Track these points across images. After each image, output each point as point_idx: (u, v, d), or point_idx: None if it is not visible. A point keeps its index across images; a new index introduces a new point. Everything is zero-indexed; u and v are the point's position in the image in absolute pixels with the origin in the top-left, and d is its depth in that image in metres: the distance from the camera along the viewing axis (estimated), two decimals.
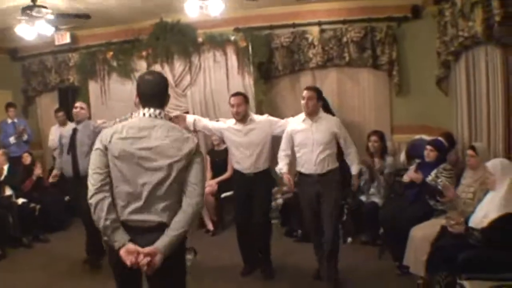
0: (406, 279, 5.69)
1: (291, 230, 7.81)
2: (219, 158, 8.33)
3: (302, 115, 5.83)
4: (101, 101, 9.36)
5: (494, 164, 4.96)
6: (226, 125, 6.22)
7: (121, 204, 3.33)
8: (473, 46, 6.12)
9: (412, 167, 6.34)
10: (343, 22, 8.47)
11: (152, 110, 3.44)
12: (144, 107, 3.47)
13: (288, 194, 8.07)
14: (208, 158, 8.55)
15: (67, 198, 8.73)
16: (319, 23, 8.58)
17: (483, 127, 6.07)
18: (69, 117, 7.56)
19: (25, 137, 9.62)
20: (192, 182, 3.38)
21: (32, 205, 8.30)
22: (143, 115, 3.43)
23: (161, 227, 3.29)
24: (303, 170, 5.77)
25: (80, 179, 6.59)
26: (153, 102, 3.47)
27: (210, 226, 8.29)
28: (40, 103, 10.75)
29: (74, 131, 6.82)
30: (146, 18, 8.85)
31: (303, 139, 5.68)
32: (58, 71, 10.12)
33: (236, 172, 6.31)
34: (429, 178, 6.04)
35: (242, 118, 6.02)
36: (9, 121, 9.64)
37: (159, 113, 3.46)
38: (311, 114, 5.66)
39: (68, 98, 10.18)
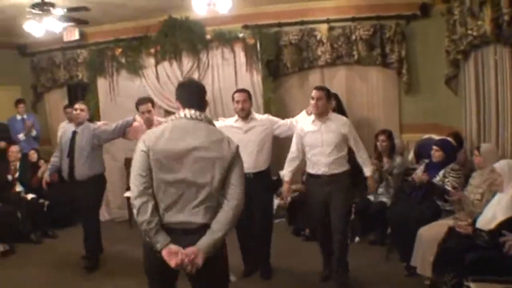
0: (413, 280, 5.68)
1: (298, 228, 7.80)
2: None
3: (303, 114, 5.90)
4: (109, 97, 9.35)
5: (502, 165, 4.94)
6: (226, 123, 6.22)
7: (163, 207, 3.38)
8: (482, 45, 6.10)
9: (421, 167, 6.33)
10: (352, 19, 8.44)
11: (193, 111, 3.48)
12: (184, 108, 3.52)
13: (295, 192, 8.05)
14: None
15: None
16: (328, 21, 8.55)
17: (492, 127, 6.06)
18: None
19: (33, 133, 9.66)
20: (233, 184, 3.43)
21: (41, 200, 8.35)
22: (184, 116, 3.48)
23: (202, 229, 3.34)
24: (312, 171, 5.74)
25: (77, 183, 6.68)
26: (194, 103, 3.53)
27: None
28: (48, 99, 10.78)
29: (74, 134, 6.77)
30: (154, 15, 8.84)
31: (312, 141, 5.65)
32: (67, 68, 10.14)
33: None
34: (437, 178, 6.01)
35: (246, 115, 6.02)
36: (18, 117, 9.68)
37: (200, 115, 3.49)
38: (321, 115, 5.62)
39: (77, 95, 10.19)
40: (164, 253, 3.27)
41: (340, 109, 7.73)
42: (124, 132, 6.76)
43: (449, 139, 6.46)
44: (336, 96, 7.78)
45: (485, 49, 6.14)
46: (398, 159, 7.04)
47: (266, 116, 6.25)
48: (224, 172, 3.40)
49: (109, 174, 9.00)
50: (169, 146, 3.35)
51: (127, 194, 8.68)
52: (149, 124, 6.37)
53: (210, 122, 3.57)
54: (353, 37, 8.42)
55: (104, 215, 9.36)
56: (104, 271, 6.75)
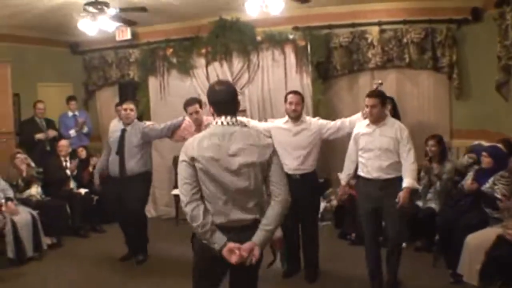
0: None
1: (344, 232, 7.77)
2: None
3: (359, 115, 5.83)
4: (160, 96, 9.47)
5: None
6: (276, 124, 6.23)
7: (213, 211, 3.51)
8: None
9: (470, 174, 6.26)
10: (404, 22, 8.38)
11: (228, 118, 3.60)
12: (219, 115, 3.62)
13: (343, 195, 8.04)
14: None
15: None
16: (379, 23, 8.51)
17: None
18: None
19: (85, 129, 9.83)
20: (274, 181, 3.61)
21: (92, 195, 8.51)
22: (221, 123, 3.58)
23: (255, 224, 3.54)
24: (364, 175, 5.68)
25: (126, 179, 6.80)
26: (228, 109, 3.62)
27: None
28: (99, 97, 10.98)
29: (123, 131, 6.90)
30: (205, 15, 8.93)
31: (366, 144, 5.60)
32: (119, 66, 10.32)
33: None
34: (487, 186, 5.93)
35: (297, 117, 6.01)
36: (70, 114, 9.85)
37: (236, 120, 3.62)
38: (376, 122, 5.55)
39: (128, 93, 10.37)
40: (224, 252, 3.40)
41: (395, 113, 7.70)
42: (172, 132, 6.85)
43: (499, 145, 6.38)
44: (392, 100, 7.75)
45: None
46: (448, 165, 6.96)
47: (316, 119, 6.21)
48: (265, 171, 3.59)
49: (156, 172, 9.16)
50: (209, 154, 3.45)
51: (174, 192, 8.78)
52: (198, 124, 6.43)
53: (244, 125, 3.70)
54: (404, 40, 8.36)
55: (151, 212, 9.50)
56: (148, 267, 6.86)
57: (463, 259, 5.54)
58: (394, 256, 5.68)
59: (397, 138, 5.45)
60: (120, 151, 6.83)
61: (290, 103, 5.98)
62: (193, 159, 3.46)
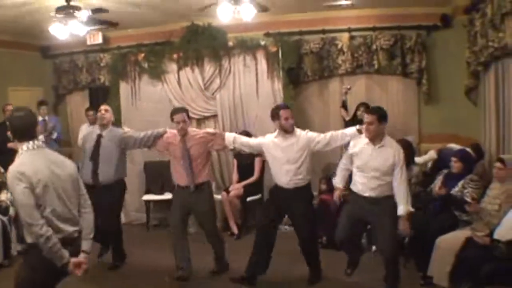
0: None
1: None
2: (245, 161, 8.35)
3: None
4: (131, 102, 9.42)
5: None
6: (266, 139, 6.18)
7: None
8: (503, 57, 6.12)
9: (439, 178, 6.34)
10: (373, 29, 8.52)
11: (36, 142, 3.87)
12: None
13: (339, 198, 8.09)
14: (235, 161, 8.61)
15: None
16: (349, 30, 8.64)
17: (511, 138, 6.06)
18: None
19: (54, 135, 9.72)
20: (82, 194, 4.14)
21: None
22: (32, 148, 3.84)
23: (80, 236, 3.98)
24: (356, 191, 5.67)
25: (100, 187, 6.56)
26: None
27: (234, 230, 8.34)
28: (70, 101, 10.89)
29: (99, 137, 6.74)
30: (177, 20, 8.96)
31: (361, 162, 5.55)
32: (89, 71, 10.26)
33: (275, 185, 6.23)
34: (456, 189, 6.01)
35: (292, 129, 5.98)
36: (40, 118, 9.73)
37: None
38: (374, 139, 5.46)
39: (99, 98, 10.27)
40: (71, 265, 3.74)
41: None
42: (153, 143, 6.65)
43: (468, 149, 6.49)
44: (366, 106, 7.84)
45: (505, 61, 6.16)
46: (415, 169, 7.03)
47: (305, 132, 6.08)
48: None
49: (127, 177, 9.10)
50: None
51: (145, 197, 8.76)
52: (183, 135, 6.33)
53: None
54: (374, 46, 8.49)
55: (121, 217, 9.45)
56: (119, 273, 6.81)
57: (433, 261, 5.63)
58: (394, 269, 5.58)
59: (393, 160, 5.38)
60: (94, 158, 6.67)
61: (286, 119, 5.90)
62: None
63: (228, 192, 8.41)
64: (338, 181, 6.06)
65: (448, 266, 5.09)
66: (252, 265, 6.15)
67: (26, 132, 3.83)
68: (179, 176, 6.45)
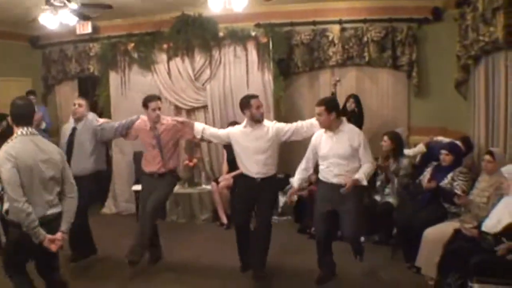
0: (417, 280, 5.73)
1: (304, 227, 7.85)
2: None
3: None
4: (120, 91, 9.38)
5: (509, 169, 5.00)
6: (235, 129, 6.23)
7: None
8: (493, 51, 6.13)
9: (428, 170, 6.36)
10: (364, 21, 8.51)
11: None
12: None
13: (302, 191, 8.10)
14: (224, 152, 8.61)
15: None
16: (340, 22, 8.62)
17: (500, 132, 6.09)
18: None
19: (43, 125, 9.67)
20: (67, 181, 4.67)
21: None
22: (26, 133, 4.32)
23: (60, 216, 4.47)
24: (323, 179, 5.78)
25: (75, 179, 6.40)
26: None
27: (224, 220, 8.36)
28: (59, 91, 10.81)
29: (73, 130, 6.63)
30: (167, 10, 8.88)
31: (324, 151, 5.65)
32: (79, 61, 10.19)
33: (242, 175, 6.29)
34: (445, 181, 6.05)
35: (262, 120, 6.02)
36: None
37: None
38: (329, 128, 5.61)
39: (88, 88, 10.27)
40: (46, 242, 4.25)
41: (359, 110, 7.81)
42: (126, 131, 6.63)
43: (457, 142, 6.52)
44: (355, 97, 7.86)
45: (496, 55, 6.17)
46: (404, 161, 7.05)
47: (273, 123, 6.16)
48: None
49: (117, 168, 9.10)
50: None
51: (134, 187, 8.74)
52: (156, 122, 6.35)
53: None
54: (365, 38, 8.50)
55: (111, 208, 9.45)
56: (109, 265, 6.77)
57: (421, 252, 5.67)
58: (358, 244, 5.91)
59: (352, 145, 5.51)
60: (68, 150, 6.48)
61: (258, 107, 5.95)
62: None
63: (218, 182, 8.42)
64: (295, 180, 6.07)
65: (436, 258, 5.10)
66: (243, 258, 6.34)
67: (23, 118, 4.32)
68: (147, 163, 6.51)
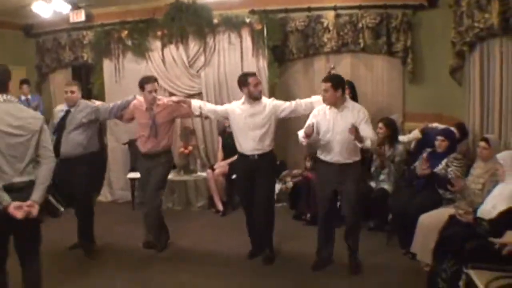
0: (412, 266, 5.75)
1: (299, 213, 7.87)
2: (230, 140, 8.32)
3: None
4: (115, 79, 9.35)
5: (504, 156, 4.99)
6: (233, 105, 6.26)
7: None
8: (488, 37, 6.11)
9: (423, 156, 6.37)
10: (359, 7, 8.47)
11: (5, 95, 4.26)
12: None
13: (297, 177, 8.13)
14: (220, 139, 8.62)
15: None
16: (335, 8, 8.58)
17: (495, 118, 6.09)
18: (83, 95, 7.37)
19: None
20: (44, 146, 4.41)
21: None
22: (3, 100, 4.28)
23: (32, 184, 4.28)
24: (324, 158, 5.77)
25: (65, 161, 6.15)
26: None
27: (220, 207, 8.38)
28: (53, 79, 10.75)
29: (67, 112, 6.50)
30: None
31: (326, 127, 5.63)
32: (72, 49, 10.13)
33: (239, 155, 6.32)
34: (440, 167, 6.09)
35: (260, 97, 6.06)
36: (23, 97, 9.65)
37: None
38: (333, 105, 5.61)
39: (82, 76, 10.22)
40: (11, 208, 4.03)
41: (354, 97, 7.80)
42: (121, 113, 6.64)
43: (452, 128, 6.53)
44: (350, 84, 7.85)
45: (491, 42, 6.16)
46: (399, 147, 7.06)
47: (271, 100, 6.23)
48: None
49: (112, 155, 9.08)
50: None
51: (130, 175, 8.75)
52: (151, 104, 6.38)
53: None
54: (360, 25, 8.47)
55: (106, 196, 9.45)
56: (105, 253, 6.75)
57: (416, 238, 5.69)
58: (354, 234, 5.87)
59: (356, 121, 5.46)
60: (58, 132, 6.40)
61: (256, 85, 5.99)
62: None
63: (213, 169, 8.43)
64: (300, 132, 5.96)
65: (431, 244, 5.10)
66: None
67: None
68: (142, 143, 6.53)
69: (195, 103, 6.36)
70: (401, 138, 7.39)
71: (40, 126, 4.34)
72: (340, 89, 5.55)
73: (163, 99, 6.58)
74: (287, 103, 6.10)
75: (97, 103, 6.89)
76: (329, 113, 5.66)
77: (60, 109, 6.67)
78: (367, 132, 5.47)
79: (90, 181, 6.80)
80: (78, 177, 6.41)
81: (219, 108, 6.40)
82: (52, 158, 4.46)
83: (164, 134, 6.47)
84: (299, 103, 6.09)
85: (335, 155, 5.59)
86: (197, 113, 6.39)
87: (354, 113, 5.56)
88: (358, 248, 5.91)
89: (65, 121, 6.45)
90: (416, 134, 7.48)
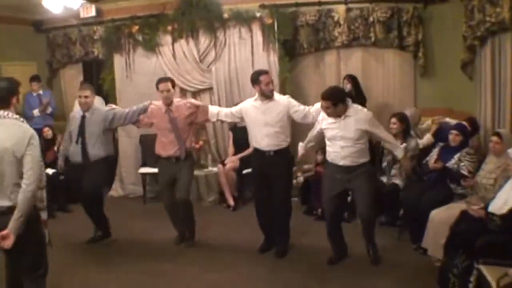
0: (423, 261, 5.75)
1: (311, 208, 7.87)
2: (241, 134, 8.35)
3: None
4: (125, 74, 9.37)
5: None
6: (246, 103, 6.28)
7: None
8: (500, 32, 6.08)
9: (435, 151, 6.36)
10: (370, 1, 8.43)
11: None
12: None
13: (309, 172, 8.13)
14: (230, 134, 8.63)
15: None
16: (346, 2, 8.55)
17: (507, 113, 6.06)
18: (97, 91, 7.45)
19: (49, 110, 9.69)
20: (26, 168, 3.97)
21: (61, 176, 8.43)
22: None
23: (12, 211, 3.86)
24: (331, 161, 5.78)
25: (88, 164, 6.64)
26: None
27: (231, 202, 8.41)
28: (64, 75, 10.80)
29: (82, 119, 6.68)
30: None
31: (332, 134, 5.65)
32: (83, 44, 10.15)
33: (255, 150, 6.34)
34: (452, 162, 6.06)
35: (272, 95, 6.05)
36: (34, 94, 9.69)
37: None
38: (338, 116, 5.58)
39: (92, 71, 10.27)
40: None
41: (357, 92, 7.78)
42: (137, 118, 6.69)
43: (464, 123, 6.51)
44: (353, 78, 7.83)
45: (502, 36, 6.12)
46: (412, 142, 7.03)
47: (287, 97, 6.22)
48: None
49: (123, 151, 9.12)
50: None
51: (141, 170, 8.77)
52: (168, 104, 6.40)
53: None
54: (370, 19, 8.41)
55: (118, 191, 9.48)
56: (116, 247, 6.84)
57: (427, 233, 5.68)
58: (370, 230, 5.91)
59: (362, 129, 5.52)
60: (82, 139, 6.65)
61: (267, 84, 5.98)
62: None
63: (224, 164, 8.45)
64: (301, 146, 6.17)
65: (442, 239, 5.10)
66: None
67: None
68: (163, 147, 6.55)
69: (213, 109, 6.45)
70: (420, 142, 7.38)
71: (21, 150, 3.91)
72: (340, 103, 5.52)
73: (182, 102, 6.59)
74: (302, 107, 6.09)
75: (114, 106, 7.02)
76: (333, 121, 5.64)
77: (74, 115, 6.83)
78: (387, 140, 5.72)
79: (102, 179, 7.01)
80: (92, 177, 6.64)
81: (234, 110, 6.41)
82: (32, 182, 3.90)
83: (186, 136, 6.50)
84: (310, 112, 6.06)
85: (341, 159, 5.61)
86: (214, 119, 6.48)
87: (357, 120, 5.54)
88: (375, 241, 5.96)
89: (84, 129, 6.64)
90: (429, 139, 7.40)
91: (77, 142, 6.66)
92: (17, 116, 4.05)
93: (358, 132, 5.52)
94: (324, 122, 5.75)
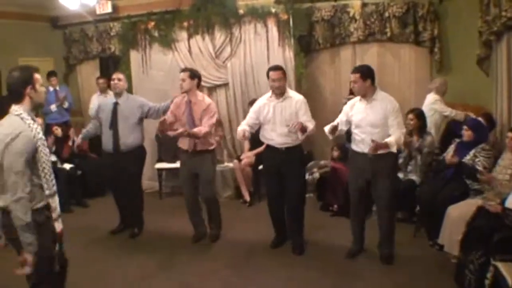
0: (440, 258, 5.74)
1: (326, 204, 7.88)
2: (257, 130, 8.38)
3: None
4: (142, 70, 9.41)
5: None
6: (260, 101, 6.26)
7: None
8: None
9: (452, 147, 6.35)
10: None
11: None
12: None
13: (324, 168, 8.13)
14: None
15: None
16: None
17: None
18: (110, 85, 7.54)
19: (66, 104, 9.76)
20: None
21: (79, 171, 8.49)
22: None
23: None
24: (357, 149, 5.76)
25: (120, 154, 6.70)
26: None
27: (246, 197, 8.44)
28: (80, 71, 10.93)
29: (115, 105, 6.76)
30: None
31: (358, 120, 5.65)
32: (99, 40, 10.29)
33: (267, 146, 6.33)
34: (467, 158, 6.04)
35: (280, 93, 6.02)
36: (51, 89, 9.75)
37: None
38: (363, 96, 5.61)
39: (109, 67, 10.35)
40: None
41: None
42: (163, 113, 6.71)
43: (480, 119, 6.48)
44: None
45: None
46: (428, 138, 7.01)
47: (302, 98, 6.11)
48: None
49: None
50: None
51: (158, 165, 8.82)
52: (187, 93, 6.42)
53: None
54: (386, 14, 8.43)
55: None
56: (134, 241, 6.92)
57: (444, 229, 5.67)
58: (387, 225, 5.85)
59: (385, 113, 5.49)
60: (114, 126, 6.72)
61: (273, 80, 5.98)
62: None
63: (240, 160, 8.48)
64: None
65: (459, 235, 5.09)
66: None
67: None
68: (181, 139, 6.57)
69: (240, 131, 6.14)
70: (448, 112, 7.48)
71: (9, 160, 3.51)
72: (369, 79, 5.54)
73: (206, 101, 6.52)
74: (307, 118, 5.99)
75: (143, 100, 7.04)
76: (359, 106, 5.66)
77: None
78: (395, 127, 5.49)
79: (140, 171, 7.14)
80: (132, 168, 6.82)
81: (253, 116, 6.23)
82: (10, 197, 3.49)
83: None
84: (312, 124, 5.99)
85: (366, 147, 5.50)
86: (246, 134, 6.12)
87: (383, 105, 5.52)
88: (392, 240, 5.91)
89: (117, 116, 6.73)
90: (461, 115, 7.38)
91: (110, 128, 6.72)
92: (19, 113, 3.65)
93: (384, 117, 5.49)
94: (351, 107, 5.77)
